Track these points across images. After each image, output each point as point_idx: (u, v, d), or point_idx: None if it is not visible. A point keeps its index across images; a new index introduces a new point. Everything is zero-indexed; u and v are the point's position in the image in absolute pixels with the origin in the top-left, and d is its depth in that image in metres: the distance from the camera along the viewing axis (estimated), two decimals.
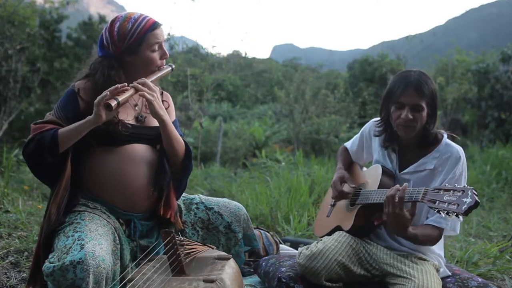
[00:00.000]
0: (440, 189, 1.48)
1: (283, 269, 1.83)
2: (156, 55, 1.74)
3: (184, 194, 1.94)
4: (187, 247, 1.58)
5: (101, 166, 1.67)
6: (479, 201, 1.38)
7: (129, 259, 1.67)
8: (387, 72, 14.95)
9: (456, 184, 1.50)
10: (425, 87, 1.71)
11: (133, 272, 1.53)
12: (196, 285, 1.42)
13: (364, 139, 2.05)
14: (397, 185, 1.59)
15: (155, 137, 1.75)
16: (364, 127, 2.06)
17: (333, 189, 1.98)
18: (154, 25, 1.71)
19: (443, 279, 1.76)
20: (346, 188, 1.93)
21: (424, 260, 1.75)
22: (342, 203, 2.00)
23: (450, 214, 1.39)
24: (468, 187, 1.42)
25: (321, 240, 1.83)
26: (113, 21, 1.71)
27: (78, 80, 1.73)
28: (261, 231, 2.31)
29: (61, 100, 1.70)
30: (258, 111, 20.02)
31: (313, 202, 3.86)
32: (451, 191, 1.44)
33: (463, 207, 1.37)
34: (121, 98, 1.54)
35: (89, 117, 1.55)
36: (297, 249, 2.52)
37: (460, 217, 1.39)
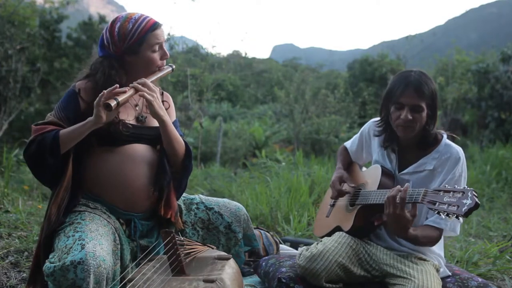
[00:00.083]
0: (440, 191, 1.47)
1: (283, 269, 1.83)
2: (156, 56, 1.74)
3: (184, 194, 1.94)
4: (187, 247, 1.58)
5: (101, 166, 1.67)
6: (479, 202, 1.37)
7: (129, 259, 1.67)
8: (387, 72, 14.95)
9: (455, 185, 1.50)
10: (425, 87, 1.70)
11: (133, 272, 1.54)
12: (196, 285, 1.42)
13: (364, 139, 2.05)
14: (398, 186, 1.58)
15: (156, 137, 1.75)
16: (363, 127, 2.06)
17: (332, 189, 1.98)
18: (155, 26, 1.72)
19: (443, 279, 1.76)
20: (345, 187, 1.93)
21: (424, 260, 1.75)
22: (342, 203, 2.00)
23: (450, 215, 1.39)
24: (468, 188, 1.41)
25: (321, 241, 1.82)
26: (114, 21, 1.72)
27: (78, 81, 1.73)
28: (261, 231, 2.31)
29: (61, 100, 1.71)
30: (258, 111, 20.02)
31: (313, 202, 3.86)
32: (451, 193, 1.43)
33: (463, 209, 1.36)
34: (121, 98, 1.54)
35: (90, 118, 1.55)
36: (297, 249, 2.52)
37: (460, 218, 1.38)
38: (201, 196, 2.01)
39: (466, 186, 1.47)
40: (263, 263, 1.99)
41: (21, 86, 9.33)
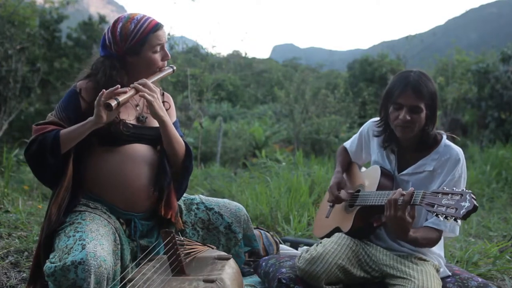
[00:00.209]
0: (438, 193, 1.46)
1: (283, 270, 1.83)
2: (157, 56, 1.75)
3: (184, 194, 1.94)
4: (187, 247, 1.58)
5: (101, 166, 1.67)
6: (477, 205, 1.36)
7: (129, 259, 1.67)
8: (387, 72, 14.94)
9: (454, 187, 1.49)
10: (424, 88, 1.69)
11: (133, 272, 1.54)
12: (196, 285, 1.42)
13: (363, 139, 2.04)
14: (400, 189, 1.57)
15: (156, 138, 1.76)
16: (362, 127, 2.05)
17: (330, 194, 1.97)
18: (157, 27, 1.72)
19: (443, 279, 1.76)
20: (343, 194, 1.93)
21: (424, 260, 1.75)
22: (341, 203, 1.99)
23: (448, 218, 1.38)
24: (467, 191, 1.40)
25: (320, 242, 1.82)
26: (116, 22, 1.72)
27: (79, 80, 1.73)
28: (261, 231, 2.31)
29: (62, 100, 1.71)
30: (258, 111, 20.02)
31: (313, 202, 3.86)
32: (450, 195, 1.42)
33: (461, 212, 1.35)
34: (121, 98, 1.55)
35: (90, 118, 1.56)
36: (297, 249, 2.52)
37: (459, 221, 1.38)
38: (201, 196, 2.01)
39: (464, 189, 1.46)
40: (263, 263, 1.99)
41: (21, 86, 9.33)
